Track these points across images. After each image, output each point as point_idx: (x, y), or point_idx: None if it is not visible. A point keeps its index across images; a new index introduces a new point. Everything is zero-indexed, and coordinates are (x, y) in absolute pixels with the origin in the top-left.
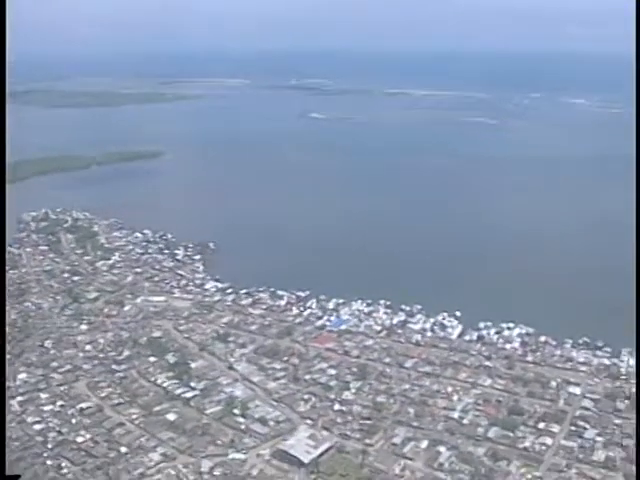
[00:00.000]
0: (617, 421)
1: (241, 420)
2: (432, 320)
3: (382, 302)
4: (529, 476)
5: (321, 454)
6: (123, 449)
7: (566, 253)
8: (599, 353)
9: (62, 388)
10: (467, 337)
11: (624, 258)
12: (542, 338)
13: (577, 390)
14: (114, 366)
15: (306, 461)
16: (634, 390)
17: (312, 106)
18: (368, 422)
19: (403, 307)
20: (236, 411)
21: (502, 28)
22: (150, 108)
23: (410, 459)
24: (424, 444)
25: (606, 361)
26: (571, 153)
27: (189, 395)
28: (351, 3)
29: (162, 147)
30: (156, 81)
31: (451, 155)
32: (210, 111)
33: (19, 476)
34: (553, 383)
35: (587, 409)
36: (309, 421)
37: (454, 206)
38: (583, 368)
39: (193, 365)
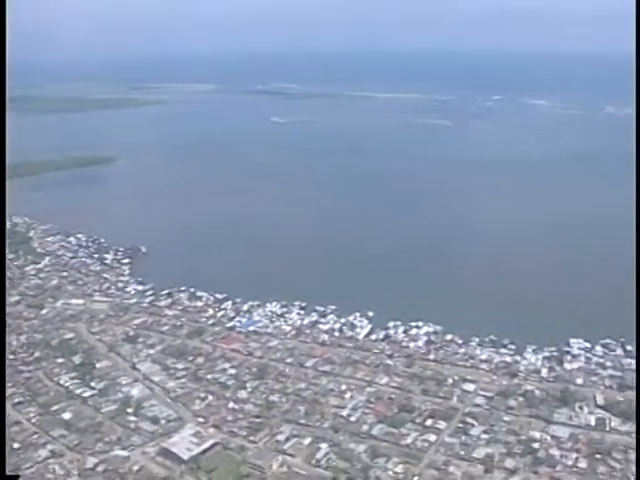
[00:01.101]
0: (506, 418)
1: (133, 419)
2: (343, 320)
3: (297, 303)
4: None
5: (203, 451)
6: (16, 445)
7: (505, 253)
8: (503, 351)
9: None
10: (374, 336)
11: (567, 257)
12: (449, 336)
13: (471, 387)
14: (22, 367)
15: (185, 458)
16: (529, 387)
17: (275, 110)
18: (257, 420)
19: (317, 308)
20: (130, 410)
21: (470, 31)
22: (117, 113)
23: (291, 455)
24: (307, 441)
25: (508, 359)
26: (524, 154)
27: (87, 394)
28: (321, 8)
29: (118, 152)
30: (128, 86)
31: (398, 156)
32: (173, 116)
33: (19, 476)
34: (450, 380)
35: (479, 406)
36: (200, 419)
37: (393, 206)
38: (483, 366)
39: (98, 365)
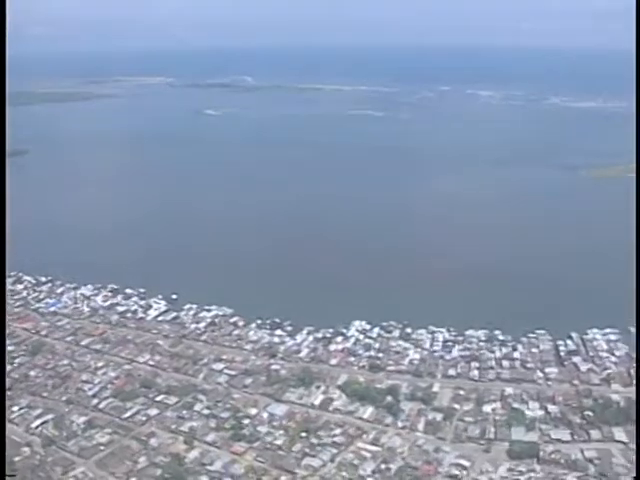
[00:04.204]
0: (236, 395)
1: None
2: (143, 302)
3: (110, 286)
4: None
5: None
6: None
7: (337, 235)
8: (277, 332)
9: None
10: (161, 318)
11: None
12: (234, 319)
13: (221, 366)
14: None
15: None
16: (276, 367)
17: (215, 103)
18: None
19: (127, 290)
20: None
21: (428, 25)
22: (61, 107)
23: (15, 424)
24: (37, 412)
25: (276, 340)
26: (443, 142)
27: None
28: (289, 4)
29: (33, 146)
30: (84, 80)
31: (309, 146)
32: (113, 110)
33: None
34: (205, 360)
35: (218, 384)
36: None
37: (271, 194)
38: (248, 346)
39: None
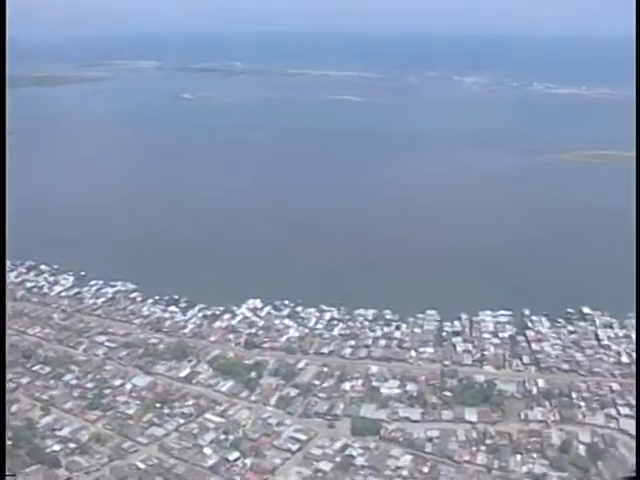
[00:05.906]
0: (108, 367)
1: None
2: (52, 278)
3: (27, 263)
4: None
5: None
6: None
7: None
8: (171, 309)
9: None
10: (64, 293)
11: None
12: (134, 294)
13: (103, 339)
14: None
15: None
16: (155, 341)
17: (194, 87)
18: None
19: (42, 267)
20: None
21: (420, 9)
22: (45, 90)
23: None
24: None
25: (167, 315)
26: (413, 127)
27: None
28: None
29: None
30: (76, 64)
31: (271, 130)
32: (96, 93)
33: None
34: (91, 332)
35: (96, 355)
36: None
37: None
38: (137, 321)
39: None
